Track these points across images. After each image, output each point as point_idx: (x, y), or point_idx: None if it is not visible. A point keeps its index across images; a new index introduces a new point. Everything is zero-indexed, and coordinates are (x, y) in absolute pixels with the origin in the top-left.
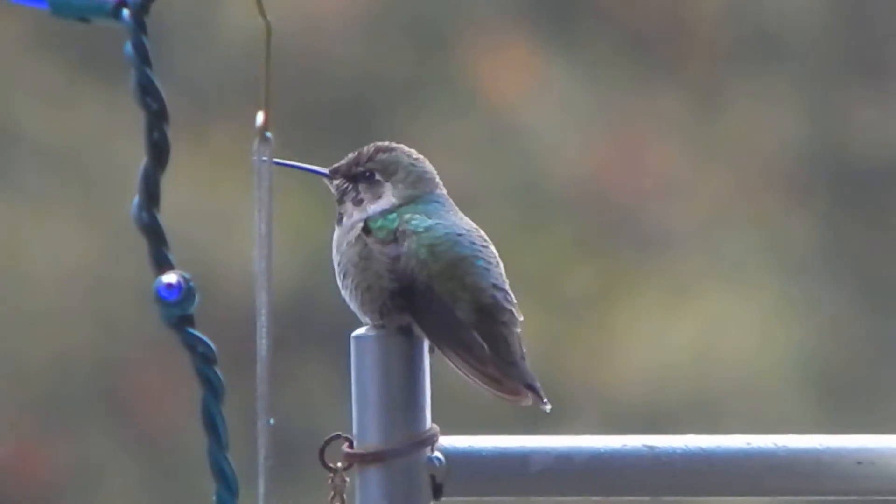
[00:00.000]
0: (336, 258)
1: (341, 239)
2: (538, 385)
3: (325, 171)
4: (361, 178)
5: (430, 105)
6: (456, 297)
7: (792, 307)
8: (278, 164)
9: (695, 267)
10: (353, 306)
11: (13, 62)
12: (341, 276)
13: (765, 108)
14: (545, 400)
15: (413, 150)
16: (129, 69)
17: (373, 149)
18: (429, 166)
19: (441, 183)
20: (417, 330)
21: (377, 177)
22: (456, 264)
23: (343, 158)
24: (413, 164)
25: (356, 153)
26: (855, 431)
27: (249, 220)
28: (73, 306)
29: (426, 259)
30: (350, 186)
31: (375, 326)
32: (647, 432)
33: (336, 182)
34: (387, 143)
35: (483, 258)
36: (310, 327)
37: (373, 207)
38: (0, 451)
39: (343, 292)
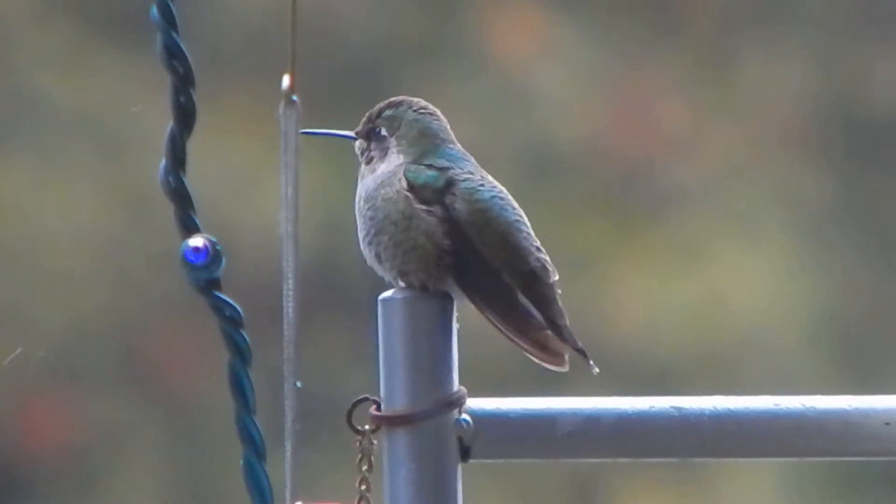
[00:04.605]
0: (366, 214)
1: (372, 195)
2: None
3: (352, 134)
4: (372, 135)
5: (442, 66)
6: (506, 262)
7: (805, 264)
8: (306, 133)
9: (707, 224)
10: (386, 266)
11: (28, 26)
12: (372, 233)
13: (777, 64)
14: (591, 362)
15: (422, 103)
16: (151, 32)
17: (383, 105)
18: (437, 120)
19: (453, 137)
20: (457, 293)
21: (383, 132)
22: (506, 230)
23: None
24: (417, 119)
25: (370, 111)
26: (869, 387)
27: (273, 185)
28: (90, 268)
29: (481, 224)
30: (366, 145)
31: (412, 287)
32: (661, 389)
33: (357, 143)
34: (397, 98)
35: (524, 222)
36: (334, 291)
37: (382, 166)
38: (21, 415)
39: (371, 249)
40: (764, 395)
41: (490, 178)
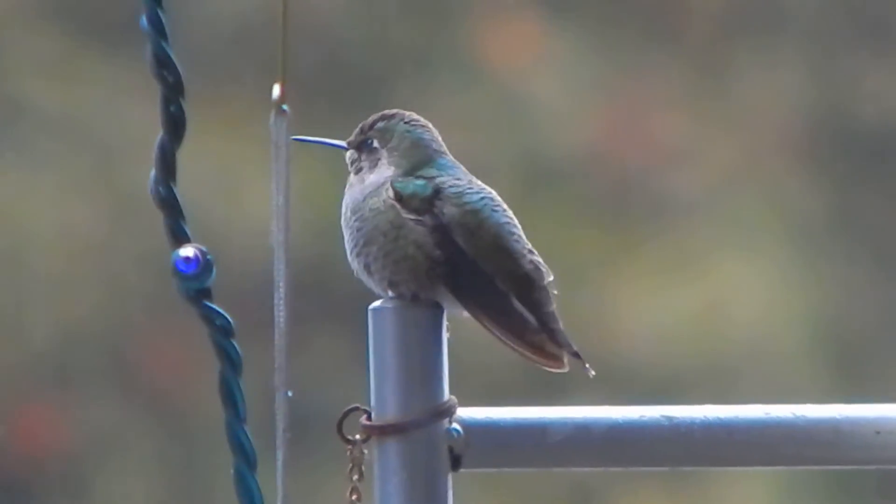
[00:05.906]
0: (354, 225)
1: (359, 206)
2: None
3: (344, 144)
4: (364, 146)
5: (436, 76)
6: (499, 266)
7: (800, 273)
8: (297, 140)
9: (702, 234)
10: (376, 277)
11: (16, 32)
12: (360, 244)
13: (771, 75)
14: (587, 365)
15: (414, 116)
16: (141, 40)
17: (376, 117)
18: (428, 132)
19: (445, 148)
20: (449, 301)
21: (375, 144)
22: (498, 232)
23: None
24: (408, 131)
25: (362, 123)
26: (865, 397)
27: (263, 191)
28: (81, 273)
29: (473, 229)
30: (357, 156)
31: (402, 297)
32: (658, 399)
33: (348, 154)
34: (390, 111)
35: (514, 223)
36: (325, 299)
37: (371, 177)
38: (12, 420)
39: (359, 260)
40: (761, 404)
41: (479, 182)
